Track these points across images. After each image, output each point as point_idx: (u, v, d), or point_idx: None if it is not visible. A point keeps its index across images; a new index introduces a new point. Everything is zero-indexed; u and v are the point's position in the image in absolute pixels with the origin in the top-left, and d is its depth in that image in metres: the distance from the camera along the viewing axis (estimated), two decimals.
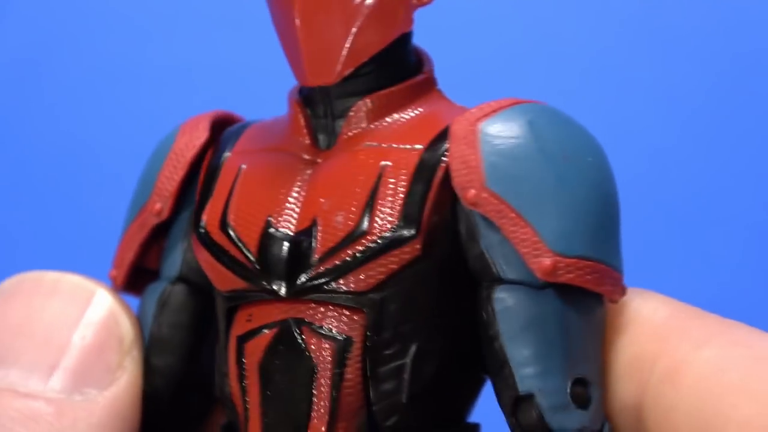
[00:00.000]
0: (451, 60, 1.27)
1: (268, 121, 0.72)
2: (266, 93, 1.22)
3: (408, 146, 0.65)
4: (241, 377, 0.65)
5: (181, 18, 1.30)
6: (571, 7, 1.29)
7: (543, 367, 0.62)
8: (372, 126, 0.67)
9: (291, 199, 0.65)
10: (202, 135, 0.70)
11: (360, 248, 0.63)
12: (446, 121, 0.66)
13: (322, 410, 0.63)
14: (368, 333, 0.63)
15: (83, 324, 0.64)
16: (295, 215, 0.65)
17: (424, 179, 0.64)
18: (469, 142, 0.64)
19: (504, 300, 0.63)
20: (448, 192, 0.64)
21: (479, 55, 1.28)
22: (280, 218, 0.65)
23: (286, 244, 0.64)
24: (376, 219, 0.64)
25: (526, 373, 0.62)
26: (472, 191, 0.63)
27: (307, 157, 0.67)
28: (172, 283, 0.70)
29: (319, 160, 0.67)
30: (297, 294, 0.64)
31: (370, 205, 0.64)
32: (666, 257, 1.29)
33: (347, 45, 0.65)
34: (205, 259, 0.67)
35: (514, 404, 0.62)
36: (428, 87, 0.70)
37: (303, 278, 0.64)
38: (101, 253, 1.21)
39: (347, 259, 0.63)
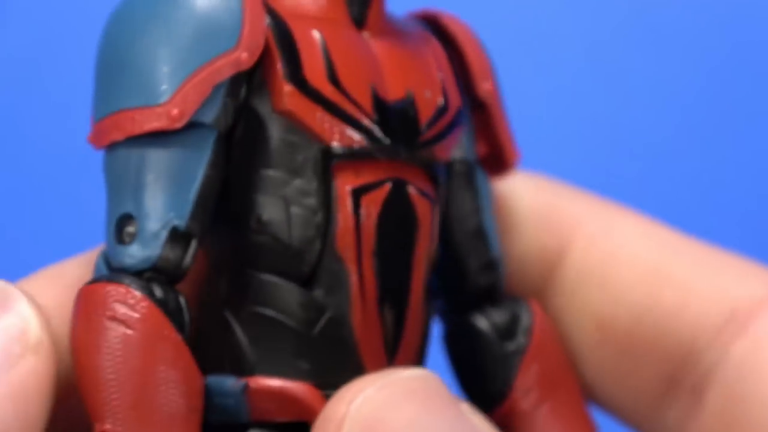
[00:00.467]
0: None
1: None
2: None
3: (424, 32, 0.73)
4: (357, 229, 0.67)
5: None
6: (568, 5, 1.27)
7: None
8: (383, 8, 0.71)
9: (378, 70, 0.69)
10: None
11: (445, 122, 0.71)
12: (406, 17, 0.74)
13: (421, 264, 0.69)
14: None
15: None
16: (388, 86, 0.69)
17: (449, 65, 0.73)
18: (475, 43, 0.74)
19: (483, 183, 0.75)
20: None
21: None
22: (379, 85, 0.69)
23: (400, 109, 0.69)
24: (449, 97, 0.71)
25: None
26: (488, 84, 0.75)
27: (355, 31, 0.70)
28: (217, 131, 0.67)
29: (365, 35, 0.70)
30: (410, 156, 0.69)
31: (443, 84, 0.71)
32: None
33: None
34: (309, 112, 0.68)
35: (487, 267, 0.74)
36: None
37: (416, 142, 0.69)
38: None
39: (440, 130, 0.70)
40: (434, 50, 0.73)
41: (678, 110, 1.29)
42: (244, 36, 0.66)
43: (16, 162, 1.29)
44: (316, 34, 0.68)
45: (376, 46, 0.70)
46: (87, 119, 1.27)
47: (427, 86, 0.71)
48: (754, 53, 1.28)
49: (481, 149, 0.76)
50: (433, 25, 0.76)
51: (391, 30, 0.72)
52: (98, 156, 1.29)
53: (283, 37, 0.68)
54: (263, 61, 0.67)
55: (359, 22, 0.71)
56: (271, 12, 0.68)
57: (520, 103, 1.22)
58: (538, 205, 0.80)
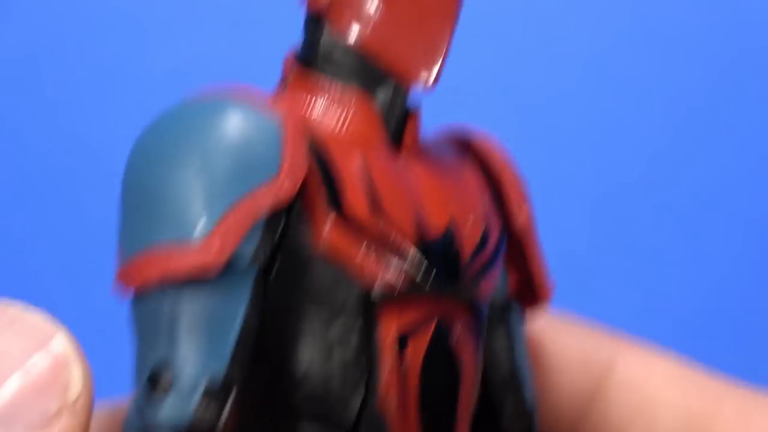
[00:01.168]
0: (453, 62, 1.28)
1: (297, 101, 0.66)
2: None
3: (460, 157, 0.68)
4: (401, 381, 0.61)
5: (180, 18, 1.27)
6: (569, 6, 1.27)
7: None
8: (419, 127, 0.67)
9: (419, 196, 0.64)
10: (294, 114, 0.63)
11: (488, 254, 0.64)
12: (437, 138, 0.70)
13: (466, 413, 0.63)
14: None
15: (29, 364, 0.58)
16: (430, 216, 0.63)
17: (486, 191, 0.67)
18: (508, 160, 0.68)
19: (516, 322, 0.68)
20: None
21: (480, 56, 1.25)
22: (422, 213, 0.63)
23: (443, 243, 0.62)
24: (491, 230, 0.65)
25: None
26: (526, 207, 0.68)
27: (392, 154, 0.65)
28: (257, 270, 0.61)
29: (403, 157, 0.66)
30: (455, 292, 0.63)
31: (484, 215, 0.65)
32: (667, 257, 1.26)
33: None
34: (352, 247, 0.61)
35: (521, 414, 0.66)
36: None
37: (460, 276, 0.63)
38: (99, 253, 1.21)
39: (484, 262, 0.64)
40: (473, 174, 0.67)
41: (682, 113, 1.26)
42: (285, 164, 0.59)
43: (17, 162, 1.27)
44: (357, 160, 0.62)
45: (416, 169, 0.65)
46: (86, 119, 1.28)
47: (470, 214, 0.65)
48: (758, 57, 1.26)
49: (511, 279, 0.69)
50: (464, 145, 0.71)
51: (427, 151, 0.66)
52: (98, 156, 1.29)
53: (324, 163, 0.61)
54: (304, 191, 0.60)
55: (397, 143, 0.65)
56: (311, 136, 0.62)
57: (522, 106, 1.24)
58: (570, 349, 0.74)
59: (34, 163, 1.25)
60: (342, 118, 0.63)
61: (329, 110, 0.64)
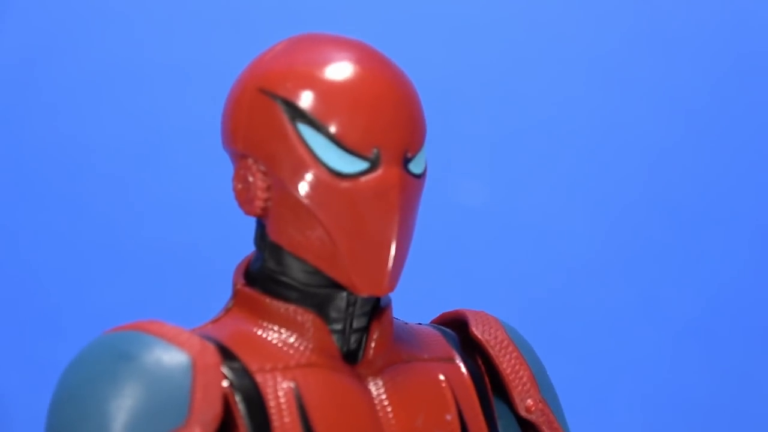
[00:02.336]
0: (454, 63, 1.28)
1: (226, 327, 0.64)
2: None
3: (446, 358, 0.66)
4: None
5: (180, 18, 1.26)
6: (572, 10, 1.26)
7: None
8: (390, 343, 0.65)
9: (376, 420, 0.62)
10: (212, 349, 0.60)
11: None
12: (430, 331, 0.67)
13: None
14: None
15: None
16: None
17: (482, 393, 0.66)
18: (513, 350, 0.66)
19: None
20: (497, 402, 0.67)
21: (480, 58, 1.25)
22: None
23: None
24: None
25: None
26: (530, 401, 0.66)
27: (345, 371, 0.63)
28: None
29: (360, 374, 0.64)
30: None
31: (462, 422, 0.64)
32: (668, 258, 1.25)
33: (408, 251, 0.64)
34: None
35: None
36: None
37: None
38: (99, 253, 1.24)
39: None
40: (453, 373, 0.65)
41: (684, 117, 1.25)
42: (195, 409, 0.57)
43: (15, 162, 1.26)
44: (289, 387, 0.60)
45: (376, 385, 0.63)
46: (86, 119, 1.27)
47: (440, 429, 0.63)
48: (759, 59, 1.26)
49: None
50: (458, 329, 0.70)
51: (394, 355, 0.65)
52: (97, 156, 1.28)
53: (249, 397, 0.59)
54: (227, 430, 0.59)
55: (352, 356, 0.63)
56: (234, 365, 0.60)
57: (525, 108, 1.23)
58: None
59: (33, 163, 1.25)
60: (279, 343, 0.62)
61: (269, 332, 0.62)
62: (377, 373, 0.63)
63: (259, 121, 0.62)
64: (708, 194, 1.24)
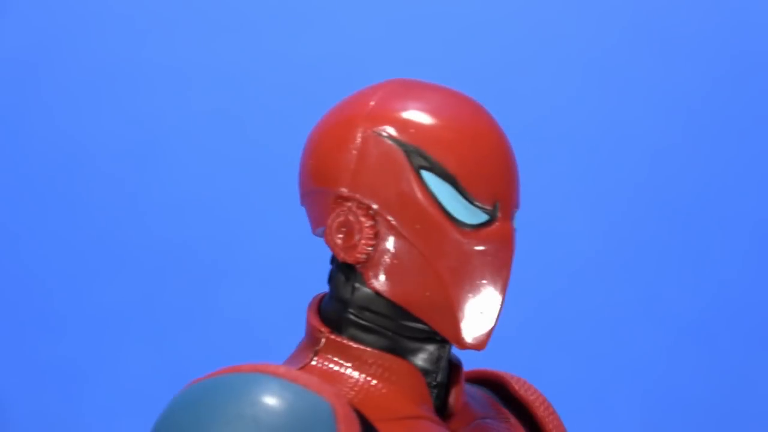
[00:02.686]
0: (454, 62, 1.24)
1: (330, 373, 0.64)
2: (263, 95, 1.23)
3: (504, 417, 0.67)
4: None
5: (179, 19, 1.26)
6: (571, 10, 1.25)
7: None
8: (466, 396, 0.66)
9: None
10: (343, 396, 0.61)
11: None
12: (475, 389, 0.69)
13: None
14: None
15: None
16: None
17: None
18: (553, 412, 0.70)
19: None
20: None
21: (481, 58, 1.24)
22: None
23: None
24: None
25: None
26: None
27: (439, 422, 0.63)
28: None
29: (451, 428, 0.64)
30: None
31: None
32: (669, 258, 1.25)
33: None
34: None
35: None
36: None
37: None
38: (98, 253, 1.23)
39: None
40: (515, 430, 0.68)
41: (684, 117, 1.25)
42: None
43: (15, 162, 1.26)
44: None
45: None
46: (85, 120, 1.23)
47: None
48: (758, 61, 1.26)
49: None
50: (492, 386, 0.71)
51: (469, 412, 0.65)
52: (96, 156, 1.24)
53: None
54: None
55: (442, 412, 0.64)
56: (361, 419, 0.60)
57: (524, 108, 1.22)
58: None
59: (33, 164, 1.26)
60: (383, 392, 0.62)
61: (367, 384, 0.62)
62: (464, 428, 0.63)
63: (375, 165, 0.61)
64: (710, 193, 1.24)
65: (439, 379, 0.63)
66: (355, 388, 0.61)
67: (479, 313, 0.61)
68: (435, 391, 0.63)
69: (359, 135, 0.61)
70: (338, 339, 0.62)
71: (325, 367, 0.62)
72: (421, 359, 0.62)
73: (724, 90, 1.24)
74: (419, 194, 0.60)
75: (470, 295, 0.60)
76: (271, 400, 0.57)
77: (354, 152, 0.61)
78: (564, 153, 1.24)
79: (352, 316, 0.62)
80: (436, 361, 0.62)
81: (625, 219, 1.24)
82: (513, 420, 0.66)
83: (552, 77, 1.24)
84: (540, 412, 0.67)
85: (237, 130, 1.24)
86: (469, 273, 0.61)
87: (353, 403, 0.60)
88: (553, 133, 1.24)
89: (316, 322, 0.63)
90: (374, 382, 0.61)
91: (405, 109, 0.62)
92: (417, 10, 1.24)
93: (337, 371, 0.62)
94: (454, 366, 0.64)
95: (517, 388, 0.68)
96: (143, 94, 1.25)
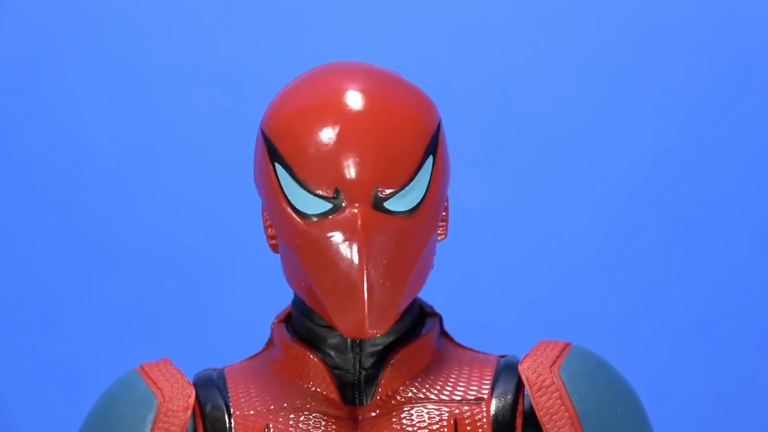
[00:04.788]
0: (455, 61, 1.23)
1: (248, 365, 0.67)
2: (262, 95, 1.21)
3: (470, 397, 0.63)
4: None
5: (179, 20, 1.25)
6: (571, 9, 1.24)
7: None
8: (413, 379, 0.63)
9: None
10: (189, 390, 0.63)
11: None
12: (486, 365, 0.64)
13: None
14: None
15: None
16: None
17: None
18: (554, 391, 0.62)
19: None
20: None
21: (482, 58, 1.24)
22: None
23: None
24: None
25: None
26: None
27: (340, 414, 0.63)
28: None
29: (359, 417, 0.63)
30: None
31: None
32: (669, 259, 1.23)
33: (404, 293, 0.61)
34: None
35: None
36: (441, 327, 0.67)
37: None
38: (98, 254, 1.24)
39: None
40: (470, 415, 0.63)
41: (684, 117, 1.24)
42: None
43: (14, 163, 1.24)
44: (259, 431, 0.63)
45: (372, 429, 0.62)
46: (85, 120, 1.22)
47: None
48: (758, 61, 1.25)
49: None
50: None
51: (411, 395, 0.63)
52: (96, 157, 1.23)
53: None
54: None
55: (361, 402, 0.63)
56: (216, 409, 0.64)
57: (526, 106, 1.22)
58: None
59: (31, 163, 1.25)
60: (285, 382, 0.63)
61: (278, 373, 0.64)
62: (382, 416, 0.62)
63: (257, 161, 0.63)
64: (713, 192, 1.23)
65: (366, 364, 0.62)
66: (257, 381, 0.64)
67: (345, 301, 0.60)
68: (363, 375, 0.62)
69: (258, 132, 0.64)
70: (273, 330, 0.65)
71: (260, 358, 0.66)
72: (330, 346, 0.62)
73: (726, 88, 1.23)
74: (273, 187, 0.61)
75: (332, 284, 0.60)
76: (107, 390, 0.64)
77: (255, 150, 0.64)
78: (565, 151, 1.23)
79: (293, 307, 0.64)
80: (348, 348, 0.62)
81: (628, 217, 1.23)
82: (484, 403, 0.62)
83: (553, 74, 1.23)
84: (532, 391, 0.62)
85: (237, 130, 1.20)
86: (324, 262, 0.60)
87: (236, 396, 0.63)
88: (553, 130, 1.23)
89: (278, 314, 0.66)
90: (283, 373, 0.63)
91: (278, 102, 0.63)
92: (418, 7, 1.24)
93: (262, 362, 0.65)
94: (403, 346, 0.63)
95: (523, 361, 0.64)
96: (143, 93, 1.24)
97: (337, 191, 0.60)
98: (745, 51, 1.23)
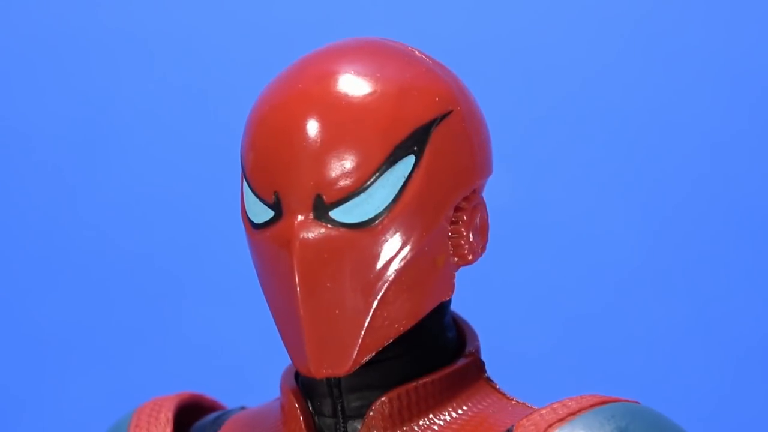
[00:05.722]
0: (455, 59, 1.20)
1: (253, 411, 0.62)
2: (238, 80, 1.17)
3: None
4: None
5: (180, 20, 1.20)
6: (573, 8, 1.19)
7: None
8: (417, 424, 0.55)
9: None
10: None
11: None
12: (502, 426, 0.55)
13: None
14: None
15: None
16: None
17: None
18: None
19: None
20: None
21: (481, 57, 1.17)
22: None
23: None
24: None
25: None
26: None
27: None
28: None
29: None
30: None
31: None
32: (669, 259, 1.17)
33: (366, 323, 0.53)
34: None
35: None
36: (473, 374, 0.58)
37: None
38: (98, 254, 1.20)
39: None
40: None
41: (686, 116, 1.18)
42: None
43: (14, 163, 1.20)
44: None
45: None
46: (85, 120, 1.24)
47: None
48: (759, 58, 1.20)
49: None
50: None
51: None
52: (95, 157, 1.23)
53: None
54: None
55: None
56: None
57: (525, 111, 1.18)
58: None
59: (32, 164, 1.20)
60: (269, 421, 0.58)
61: (270, 410, 0.59)
62: None
63: None
64: (711, 195, 1.17)
65: (345, 412, 0.55)
66: (232, 419, 0.61)
67: (291, 332, 0.53)
68: (349, 424, 0.55)
69: None
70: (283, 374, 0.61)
71: (271, 402, 0.61)
72: (314, 390, 0.56)
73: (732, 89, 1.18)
74: (240, 195, 0.56)
75: (278, 309, 0.54)
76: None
77: None
78: (587, 146, 1.17)
79: None
80: (328, 390, 0.55)
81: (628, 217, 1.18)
82: None
83: (552, 75, 1.18)
84: None
85: (207, 117, 1.19)
86: (270, 282, 0.54)
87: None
88: (575, 125, 1.17)
89: None
90: (279, 425, 0.57)
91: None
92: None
93: (267, 409, 0.60)
94: (368, 411, 0.55)
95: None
96: (95, 71, 1.20)
97: (276, 196, 0.53)
98: (748, 53, 1.18)
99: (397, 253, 0.52)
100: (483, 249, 0.55)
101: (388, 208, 0.52)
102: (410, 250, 0.53)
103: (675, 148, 1.18)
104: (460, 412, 0.55)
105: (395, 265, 0.52)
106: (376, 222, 0.52)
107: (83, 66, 1.21)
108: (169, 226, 1.20)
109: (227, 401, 0.66)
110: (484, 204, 0.55)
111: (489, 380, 0.57)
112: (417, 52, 0.56)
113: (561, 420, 0.52)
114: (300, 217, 0.52)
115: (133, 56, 1.21)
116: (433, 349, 0.55)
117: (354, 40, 0.57)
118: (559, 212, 1.18)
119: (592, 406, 0.53)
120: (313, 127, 0.52)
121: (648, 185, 1.19)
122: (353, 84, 0.53)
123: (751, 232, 1.19)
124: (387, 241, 0.52)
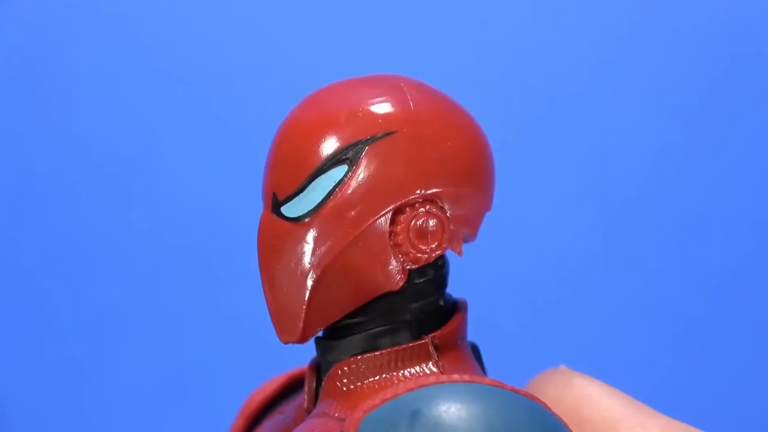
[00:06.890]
0: (454, 59, 1.25)
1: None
2: (262, 94, 1.25)
3: (338, 416, 0.59)
4: None
5: (179, 20, 1.27)
6: (571, 7, 1.26)
7: None
8: (339, 395, 0.60)
9: None
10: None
11: None
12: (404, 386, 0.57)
13: None
14: None
15: None
16: None
17: None
18: None
19: None
20: None
21: (481, 56, 1.25)
22: None
23: None
24: None
25: None
26: None
27: (290, 424, 0.66)
28: None
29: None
30: None
31: None
32: (669, 259, 1.25)
33: (305, 301, 0.59)
34: None
35: None
36: (422, 357, 0.60)
37: None
38: (98, 254, 1.26)
39: None
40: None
41: (683, 116, 1.25)
42: None
43: (14, 163, 1.27)
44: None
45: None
46: (84, 120, 1.24)
47: None
48: (757, 62, 1.26)
49: None
50: None
51: (322, 408, 0.61)
52: (96, 157, 1.24)
53: None
54: None
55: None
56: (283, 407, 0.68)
57: (525, 110, 1.24)
58: (576, 401, 0.67)
59: (32, 163, 1.26)
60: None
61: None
62: (284, 419, 0.66)
63: None
64: (715, 191, 1.24)
65: (325, 374, 0.62)
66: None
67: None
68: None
69: None
70: None
71: None
72: (321, 363, 0.63)
73: (730, 85, 1.24)
74: None
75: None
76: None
77: None
78: (568, 153, 1.24)
79: None
80: (319, 355, 0.62)
81: (630, 219, 1.23)
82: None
83: (556, 75, 1.24)
84: None
85: (239, 131, 1.25)
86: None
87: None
88: (555, 133, 1.23)
89: None
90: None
91: None
92: (421, 6, 1.25)
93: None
94: (331, 363, 0.61)
95: None
96: (143, 93, 1.25)
97: (263, 193, 0.62)
98: (745, 52, 1.24)
99: (327, 244, 0.58)
100: (432, 251, 0.59)
101: (319, 206, 0.58)
102: (339, 243, 0.59)
103: (627, 159, 1.23)
104: (393, 374, 0.59)
105: (327, 255, 0.58)
106: (309, 218, 0.59)
107: (135, 91, 1.26)
108: (208, 223, 1.25)
109: (263, 375, 0.72)
110: (438, 213, 0.59)
111: (463, 351, 0.61)
112: (402, 84, 0.61)
113: (374, 406, 0.54)
114: (264, 212, 0.60)
115: (175, 75, 1.25)
116: (391, 331, 0.60)
117: (363, 76, 0.63)
118: (530, 214, 1.22)
119: (407, 390, 0.54)
120: (278, 143, 0.60)
121: (605, 189, 1.23)
122: (316, 108, 0.60)
123: (749, 231, 1.24)
124: (317, 234, 0.58)
